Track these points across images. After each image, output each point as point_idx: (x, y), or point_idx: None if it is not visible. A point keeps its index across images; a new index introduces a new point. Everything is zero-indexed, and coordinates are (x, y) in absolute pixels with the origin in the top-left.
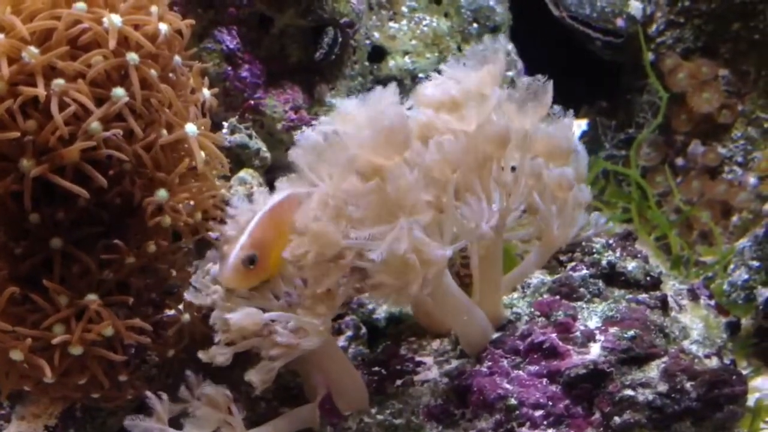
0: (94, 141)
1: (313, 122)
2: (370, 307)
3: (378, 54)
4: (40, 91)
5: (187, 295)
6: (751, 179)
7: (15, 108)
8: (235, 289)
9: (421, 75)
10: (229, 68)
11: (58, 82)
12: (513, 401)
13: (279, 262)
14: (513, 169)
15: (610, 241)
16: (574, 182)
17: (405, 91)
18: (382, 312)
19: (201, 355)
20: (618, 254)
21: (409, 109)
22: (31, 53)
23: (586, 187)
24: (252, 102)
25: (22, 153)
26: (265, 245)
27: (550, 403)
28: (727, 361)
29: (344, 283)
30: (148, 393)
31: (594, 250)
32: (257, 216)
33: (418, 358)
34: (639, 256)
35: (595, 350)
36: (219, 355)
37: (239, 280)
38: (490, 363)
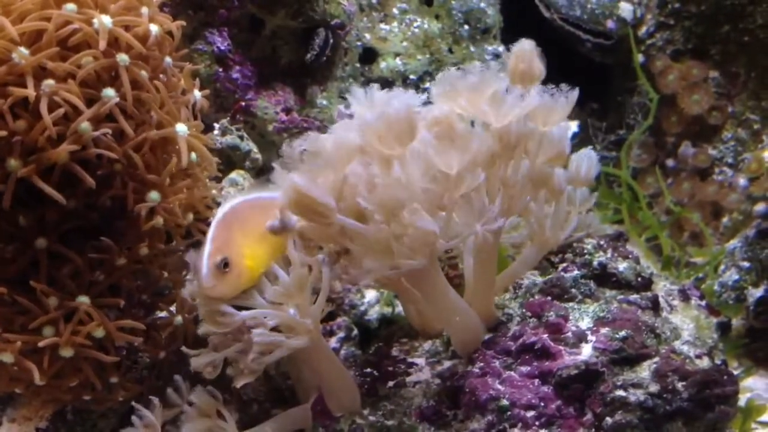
0: (83, 141)
1: (305, 124)
2: (362, 308)
3: (369, 55)
4: (30, 91)
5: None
6: (741, 180)
7: (5, 108)
8: (221, 299)
9: (412, 76)
10: (220, 69)
11: (48, 83)
12: (505, 402)
13: (257, 264)
14: None
15: (602, 242)
16: (566, 184)
17: None
18: (374, 313)
19: (192, 360)
20: (609, 255)
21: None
22: (21, 54)
23: (586, 189)
24: (243, 103)
25: (9, 153)
26: (231, 246)
27: (542, 404)
28: (718, 362)
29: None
30: (136, 405)
31: (585, 251)
32: (213, 224)
33: (410, 360)
34: (630, 257)
35: (586, 351)
36: (206, 366)
37: (219, 287)
38: (482, 364)
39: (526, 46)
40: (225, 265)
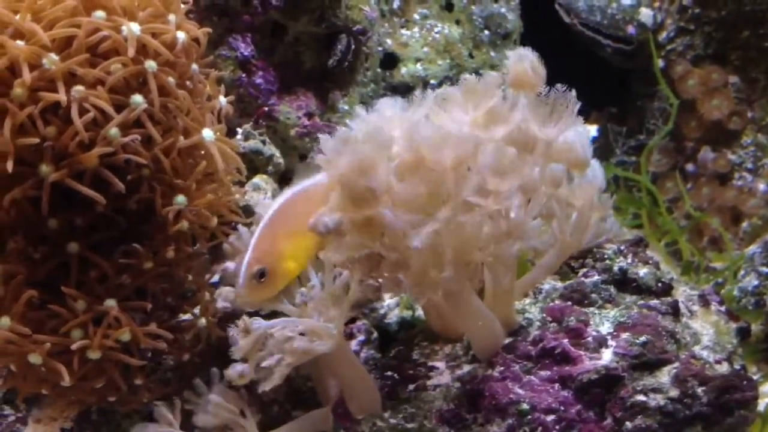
0: (113, 147)
1: (326, 129)
2: (381, 311)
3: (390, 61)
4: (61, 96)
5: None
6: (761, 185)
7: (35, 113)
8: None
9: (432, 81)
10: (244, 75)
11: (78, 89)
12: (525, 406)
13: (299, 263)
14: None
15: (622, 247)
16: (590, 190)
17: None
18: (393, 316)
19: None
20: (629, 260)
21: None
22: (52, 60)
23: (605, 195)
24: (266, 108)
25: (40, 158)
26: (272, 254)
27: (562, 408)
28: (737, 367)
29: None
30: (158, 403)
31: (605, 256)
32: (259, 227)
33: (430, 363)
34: (650, 262)
35: (606, 356)
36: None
37: (254, 296)
38: (502, 368)
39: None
40: (261, 275)
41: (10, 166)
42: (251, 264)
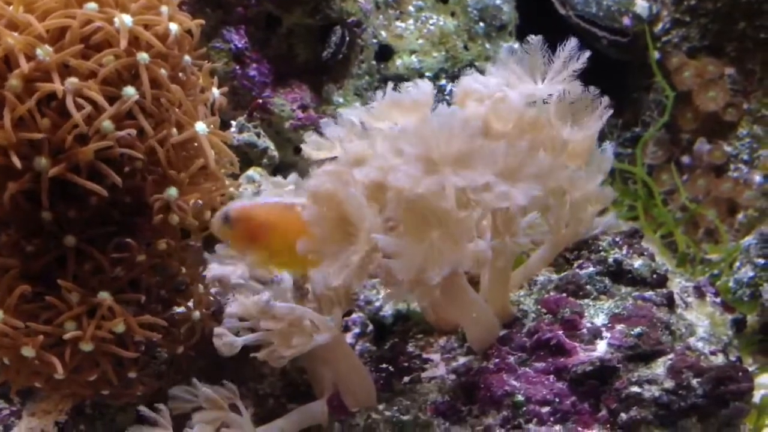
0: (109, 140)
1: (321, 121)
2: (377, 304)
3: (385, 53)
4: (58, 86)
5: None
6: (757, 177)
7: (32, 106)
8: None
9: (427, 73)
10: (238, 67)
11: (72, 81)
12: (520, 398)
13: (284, 257)
14: None
15: (617, 239)
16: (586, 183)
17: None
18: (389, 309)
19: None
20: (624, 252)
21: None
22: (46, 51)
23: (608, 187)
24: (260, 101)
25: (37, 151)
26: (257, 222)
27: (557, 400)
28: (732, 358)
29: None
30: (143, 408)
31: (600, 248)
32: (281, 198)
33: (425, 355)
34: (645, 253)
35: (601, 347)
36: (227, 345)
37: (216, 230)
38: (497, 360)
39: None
40: (226, 220)
41: (17, 162)
42: (234, 208)
